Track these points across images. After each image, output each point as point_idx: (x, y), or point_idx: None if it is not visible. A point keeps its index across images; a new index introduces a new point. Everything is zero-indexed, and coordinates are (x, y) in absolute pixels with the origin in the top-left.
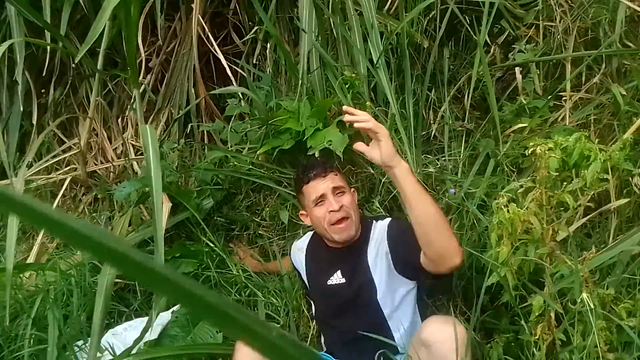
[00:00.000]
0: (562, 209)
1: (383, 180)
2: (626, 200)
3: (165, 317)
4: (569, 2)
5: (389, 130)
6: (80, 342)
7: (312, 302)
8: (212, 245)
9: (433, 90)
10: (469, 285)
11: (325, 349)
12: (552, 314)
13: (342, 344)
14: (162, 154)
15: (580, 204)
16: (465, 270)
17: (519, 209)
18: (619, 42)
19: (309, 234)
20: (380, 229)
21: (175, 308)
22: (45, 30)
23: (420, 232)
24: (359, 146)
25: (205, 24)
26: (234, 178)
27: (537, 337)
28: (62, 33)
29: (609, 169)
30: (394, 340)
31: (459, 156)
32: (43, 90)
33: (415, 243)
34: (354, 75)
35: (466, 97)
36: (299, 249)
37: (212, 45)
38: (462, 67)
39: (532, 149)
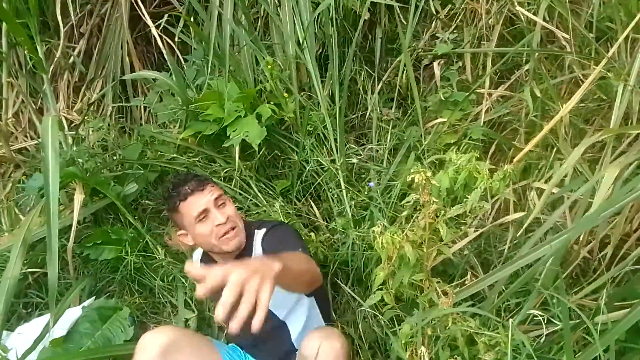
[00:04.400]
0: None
1: (308, 168)
2: (519, 214)
3: (75, 312)
4: None
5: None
6: None
7: None
8: (137, 229)
9: (366, 69)
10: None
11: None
12: (421, 341)
13: (245, 345)
14: (80, 138)
15: (463, 229)
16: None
17: (395, 236)
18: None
19: (200, 249)
20: (258, 240)
21: (86, 303)
22: None
23: (297, 288)
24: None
25: None
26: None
27: (407, 357)
28: None
29: (489, 196)
30: (292, 340)
31: (385, 144)
32: None
33: (281, 249)
34: (269, 65)
35: (397, 85)
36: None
37: (141, 12)
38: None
39: (411, 176)
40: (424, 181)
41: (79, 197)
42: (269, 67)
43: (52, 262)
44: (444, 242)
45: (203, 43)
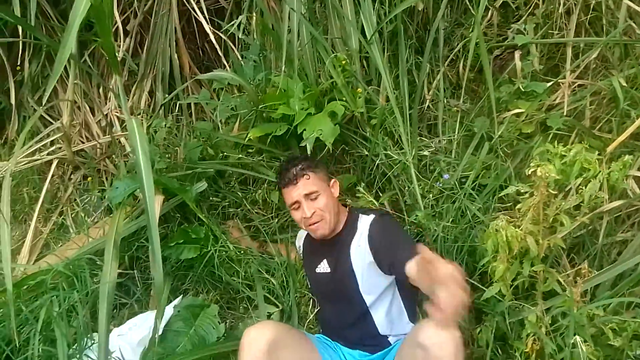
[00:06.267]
0: (558, 222)
1: (377, 162)
2: (618, 202)
3: (167, 312)
4: None
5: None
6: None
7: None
8: (209, 226)
9: (432, 58)
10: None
11: (321, 330)
12: (543, 329)
13: (332, 329)
14: (151, 138)
15: (579, 220)
16: (456, 255)
17: (516, 230)
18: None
19: None
20: (364, 224)
21: (176, 302)
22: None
23: None
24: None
25: None
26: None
27: (528, 348)
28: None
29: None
30: (377, 328)
31: (454, 136)
32: (18, 67)
33: (396, 245)
34: (343, 61)
35: (462, 76)
36: (300, 237)
37: (193, 9)
38: (458, 36)
39: (533, 169)
40: (546, 174)
41: (159, 199)
42: (342, 62)
43: (157, 266)
44: (562, 234)
45: (260, 38)
